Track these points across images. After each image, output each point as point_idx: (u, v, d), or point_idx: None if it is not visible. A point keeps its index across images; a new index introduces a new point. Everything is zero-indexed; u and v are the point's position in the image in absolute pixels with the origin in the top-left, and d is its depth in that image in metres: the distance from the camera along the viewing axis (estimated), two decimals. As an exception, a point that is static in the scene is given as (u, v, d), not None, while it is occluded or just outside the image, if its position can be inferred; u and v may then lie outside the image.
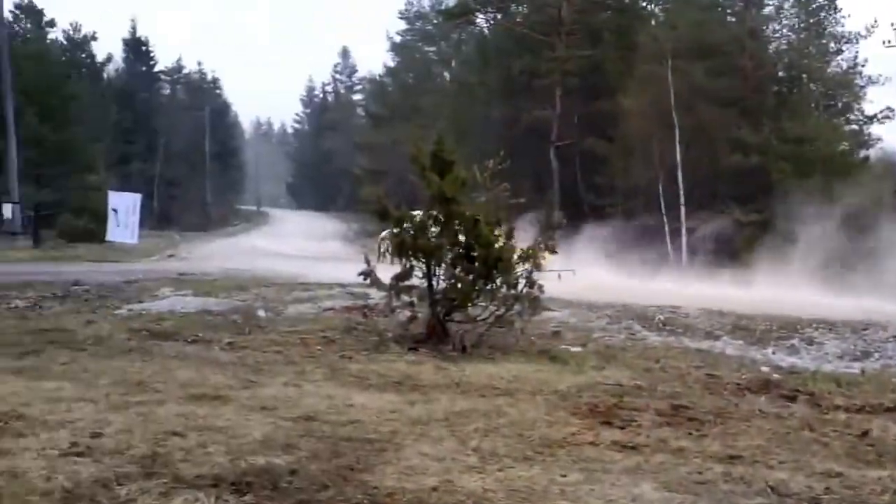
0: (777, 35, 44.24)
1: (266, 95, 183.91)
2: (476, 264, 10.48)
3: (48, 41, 60.62)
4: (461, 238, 10.63)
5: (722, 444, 5.93)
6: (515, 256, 10.49)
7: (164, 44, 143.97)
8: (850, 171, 35.35)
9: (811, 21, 42.11)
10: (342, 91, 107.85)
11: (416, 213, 10.86)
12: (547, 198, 39.06)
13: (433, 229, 10.68)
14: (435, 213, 10.67)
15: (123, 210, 36.69)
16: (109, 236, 36.84)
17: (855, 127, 41.49)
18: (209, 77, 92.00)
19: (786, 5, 43.34)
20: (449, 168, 10.66)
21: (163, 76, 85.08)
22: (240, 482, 4.72)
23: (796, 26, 43.09)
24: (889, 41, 35.71)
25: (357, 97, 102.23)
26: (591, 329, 13.11)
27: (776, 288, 21.38)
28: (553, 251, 10.77)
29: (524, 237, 10.82)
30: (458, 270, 10.53)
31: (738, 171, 37.76)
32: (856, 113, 41.60)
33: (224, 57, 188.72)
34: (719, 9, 44.56)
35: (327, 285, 18.09)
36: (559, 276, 10.51)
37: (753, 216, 36.07)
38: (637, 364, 9.69)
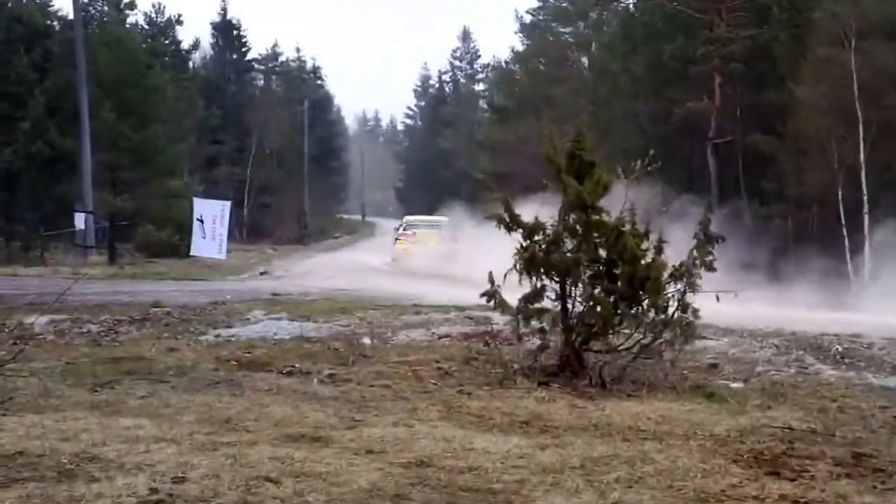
0: None
1: (373, 86, 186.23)
2: (619, 283, 10.40)
3: (127, 26, 62.00)
4: (602, 253, 10.56)
5: (915, 501, 5.77)
6: (666, 274, 10.37)
7: (257, 28, 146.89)
8: None
9: None
10: (462, 80, 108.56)
11: (547, 223, 10.82)
12: (704, 204, 38.55)
13: (569, 242, 10.63)
14: (571, 222, 10.62)
15: (210, 220, 36.86)
16: (194, 250, 37.23)
17: None
18: (309, 65, 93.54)
19: None
20: (589, 170, 10.61)
21: (256, 65, 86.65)
22: (342, 536, 4.76)
23: None
24: None
25: (479, 87, 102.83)
26: (755, 361, 12.84)
27: None
28: (711, 268, 10.60)
29: (675, 251, 10.69)
30: (597, 291, 10.46)
31: (937, 174, 36.62)
32: None
33: (325, 42, 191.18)
34: (916, -22, 43.37)
35: (443, 308, 18.14)
36: (717, 297, 10.31)
37: (956, 228, 34.92)
38: (810, 404, 9.47)
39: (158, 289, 23.17)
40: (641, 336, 10.38)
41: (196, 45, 78.08)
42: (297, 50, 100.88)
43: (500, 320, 12.72)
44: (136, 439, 6.77)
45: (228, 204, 39.98)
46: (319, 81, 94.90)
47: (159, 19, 72.21)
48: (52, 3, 58.82)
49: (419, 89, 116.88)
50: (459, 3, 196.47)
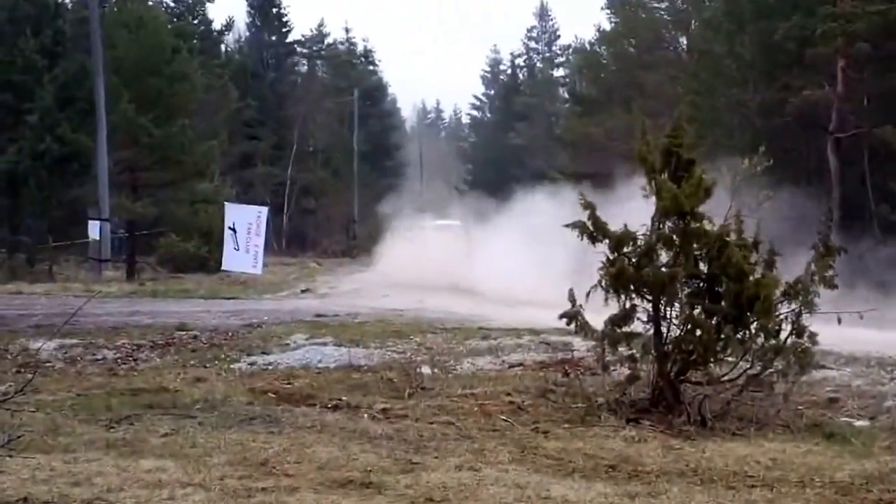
0: None
1: (434, 72, 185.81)
2: (723, 303, 10.35)
3: (150, 3, 62.19)
4: (702, 267, 10.53)
5: None
6: (778, 292, 10.30)
7: (300, 5, 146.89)
8: None
9: None
10: (538, 65, 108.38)
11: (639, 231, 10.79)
12: (823, 210, 38.21)
13: (663, 255, 10.60)
14: (666, 231, 10.59)
15: (244, 228, 36.79)
16: (226, 264, 37.27)
17: None
18: (359, 48, 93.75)
19: None
20: (688, 169, 10.58)
21: (299, 48, 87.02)
22: None
23: None
24: None
25: (559, 73, 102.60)
26: (883, 395, 12.71)
27: None
28: (831, 285, 10.52)
29: (789, 266, 10.61)
30: (697, 312, 10.43)
31: None
32: None
33: (379, 21, 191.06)
34: None
35: (515, 331, 18.16)
36: (839, 319, 10.24)
37: None
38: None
39: (184, 309, 23.39)
40: (748, 365, 10.33)
41: (229, 26, 78.76)
42: (346, 30, 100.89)
43: (582, 346, 12.72)
44: (157, 484, 6.84)
45: (265, 210, 40.08)
46: (372, 67, 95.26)
47: (188, -4, 72.94)
48: (63, -22, 59.09)
49: (488, 76, 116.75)
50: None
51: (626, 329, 10.55)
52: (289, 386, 11.95)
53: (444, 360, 14.83)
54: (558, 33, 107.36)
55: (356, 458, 7.92)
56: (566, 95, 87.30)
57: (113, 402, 10.47)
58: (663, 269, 10.46)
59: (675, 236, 10.53)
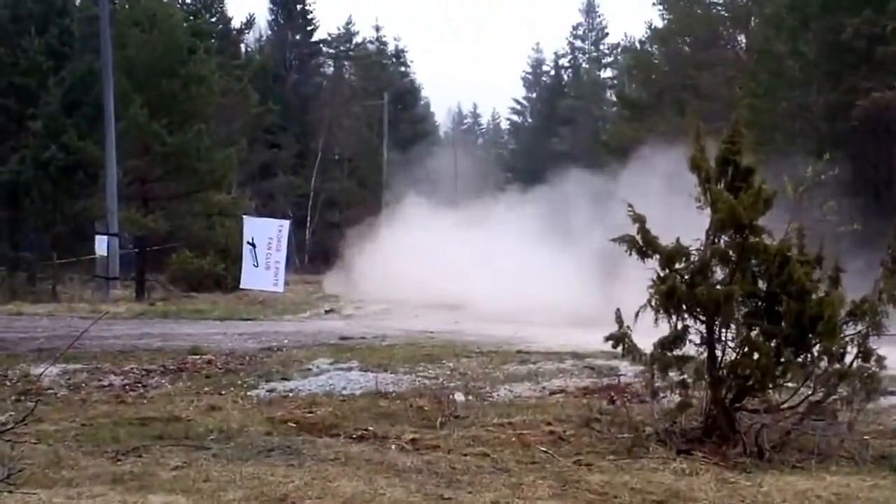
0: None
1: (471, 73, 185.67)
2: (783, 324, 10.32)
3: (164, 0, 62.30)
4: (761, 285, 10.50)
5: None
6: (843, 313, 10.26)
7: (327, 0, 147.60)
8: None
9: None
10: (584, 65, 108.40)
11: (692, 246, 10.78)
12: (893, 222, 38.03)
13: (719, 271, 10.58)
14: (722, 246, 10.57)
15: (264, 243, 36.74)
16: (244, 282, 37.32)
17: None
18: (390, 48, 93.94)
19: None
20: (746, 179, 10.57)
21: (324, 48, 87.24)
22: None
23: None
24: None
25: (606, 74, 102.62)
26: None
27: None
28: (902, 305, 10.49)
29: (855, 283, 10.56)
30: (754, 333, 10.40)
31: None
32: None
33: (411, 18, 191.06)
34: None
35: (556, 355, 18.16)
36: (912, 341, 10.21)
37: None
38: None
39: (197, 331, 23.49)
40: (810, 391, 10.30)
41: (250, 24, 79.16)
42: (376, 29, 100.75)
43: (629, 371, 12.71)
44: (168, 521, 6.87)
45: (287, 223, 40.13)
46: (403, 68, 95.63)
47: (205, -8, 73.25)
48: (70, -27, 59.27)
49: (529, 77, 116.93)
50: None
51: (677, 352, 10.54)
52: (310, 415, 11.98)
53: (480, 386, 14.85)
54: (606, 31, 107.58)
55: (383, 493, 7.94)
56: (614, 98, 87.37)
57: (120, 433, 10.52)
58: (718, 286, 10.44)
59: (731, 251, 10.50)
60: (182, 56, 48.53)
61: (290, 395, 13.91)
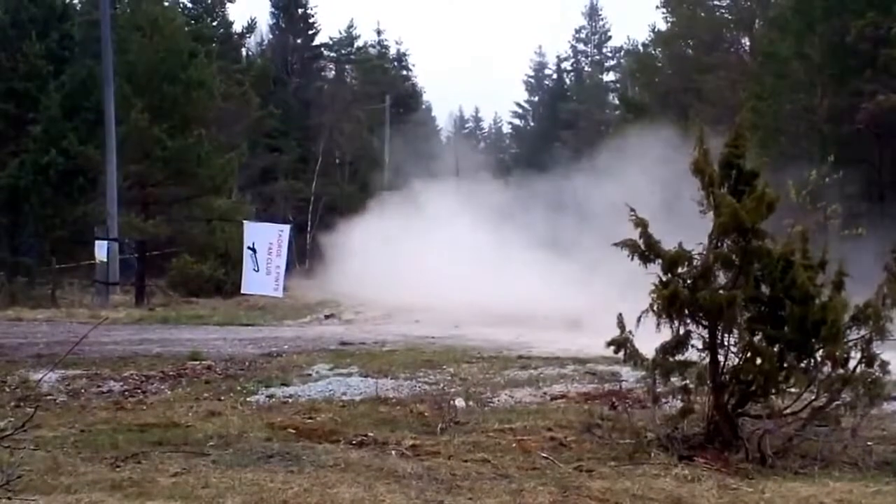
0: None
1: (473, 77, 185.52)
2: (786, 329, 10.31)
3: (165, 3, 62.15)
4: (764, 289, 10.49)
5: None
6: (847, 317, 10.25)
7: (328, 4, 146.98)
8: None
9: None
10: (587, 69, 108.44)
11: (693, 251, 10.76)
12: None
13: (721, 276, 10.57)
14: (725, 250, 10.55)
15: (265, 248, 36.46)
16: (245, 287, 36.98)
17: None
18: (392, 52, 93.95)
19: None
20: (749, 182, 10.55)
21: (326, 52, 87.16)
22: None
23: None
24: None
25: (609, 78, 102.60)
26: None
27: None
28: (905, 309, 10.48)
29: (859, 288, 10.55)
30: (757, 338, 10.40)
31: None
32: None
33: (412, 21, 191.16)
34: None
35: (557, 360, 18.17)
36: (915, 345, 10.20)
37: None
38: None
39: (197, 336, 23.49)
40: (813, 397, 10.30)
41: (251, 28, 78.92)
42: (378, 32, 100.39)
43: (631, 376, 12.69)
44: (167, 528, 6.87)
45: (288, 228, 39.94)
46: (405, 72, 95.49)
47: (206, -3, 73.18)
48: (71, -22, 59.29)
49: (531, 81, 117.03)
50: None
51: (679, 357, 10.54)
52: (310, 420, 11.99)
53: (480, 391, 14.85)
54: (609, 34, 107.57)
55: (383, 500, 7.94)
56: (617, 102, 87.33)
57: (119, 439, 10.52)
58: (721, 291, 10.42)
59: (734, 256, 10.50)
60: (183, 61, 48.34)
61: (290, 400, 13.92)
